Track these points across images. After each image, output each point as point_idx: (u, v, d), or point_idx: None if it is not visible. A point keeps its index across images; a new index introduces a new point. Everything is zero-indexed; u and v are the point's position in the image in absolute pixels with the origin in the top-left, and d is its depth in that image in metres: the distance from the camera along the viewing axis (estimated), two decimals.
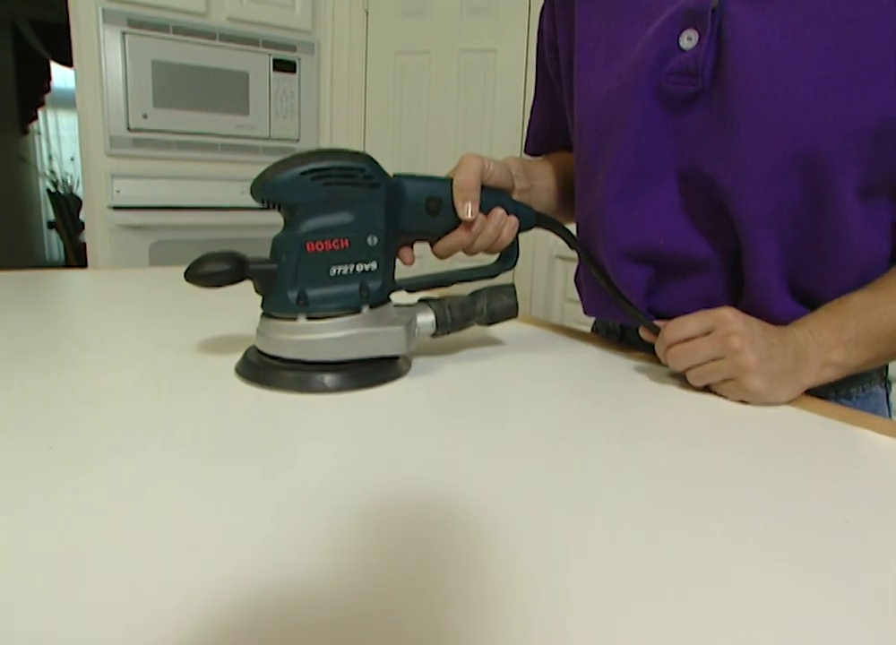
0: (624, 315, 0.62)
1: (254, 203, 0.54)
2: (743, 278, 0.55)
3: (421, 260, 0.61)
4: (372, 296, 0.50)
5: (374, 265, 0.50)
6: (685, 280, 0.59)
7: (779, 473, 0.37)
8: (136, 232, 2.08)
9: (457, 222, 0.54)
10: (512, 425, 0.44)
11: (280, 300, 0.48)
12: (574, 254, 0.65)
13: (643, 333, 0.56)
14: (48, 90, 5.13)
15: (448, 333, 0.57)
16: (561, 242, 0.64)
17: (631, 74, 0.55)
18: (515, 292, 0.59)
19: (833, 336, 0.49)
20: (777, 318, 0.52)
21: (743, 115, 0.50)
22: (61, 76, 5.06)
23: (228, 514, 0.30)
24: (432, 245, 0.56)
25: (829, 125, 0.47)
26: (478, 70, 2.14)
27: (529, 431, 0.43)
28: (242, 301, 0.75)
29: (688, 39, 0.52)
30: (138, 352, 0.57)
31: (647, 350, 0.60)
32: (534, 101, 0.77)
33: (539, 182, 0.68)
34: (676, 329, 0.51)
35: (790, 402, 0.49)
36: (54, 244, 5.42)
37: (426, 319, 0.55)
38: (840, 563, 0.28)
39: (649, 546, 0.29)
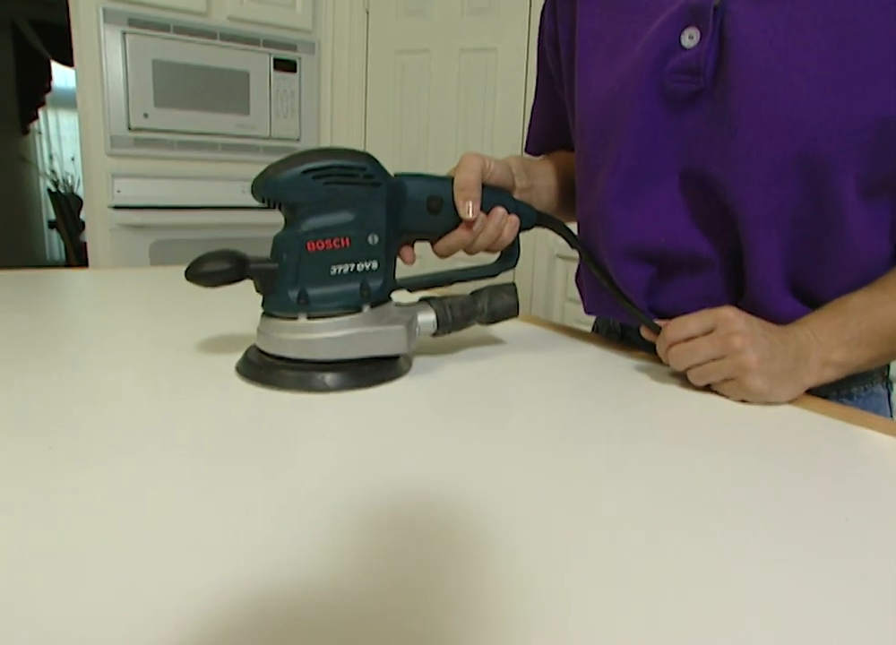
0: (625, 314, 0.62)
1: (254, 203, 0.54)
2: (744, 277, 0.55)
3: (422, 259, 0.61)
4: (373, 295, 0.50)
5: (374, 264, 0.50)
6: (686, 279, 0.59)
7: (780, 473, 0.37)
8: (137, 231, 2.08)
9: (458, 221, 0.54)
10: (513, 425, 0.44)
11: (280, 299, 0.48)
12: (575, 254, 0.65)
13: (644, 332, 0.56)
14: (49, 89, 5.13)
15: (449, 332, 0.56)
16: (562, 241, 0.64)
17: (632, 73, 0.55)
18: (516, 291, 0.59)
19: (835, 335, 0.49)
20: (778, 317, 0.52)
21: (744, 113, 0.50)
22: (62, 76, 5.06)
23: (228, 514, 0.30)
24: (433, 245, 0.56)
25: (829, 125, 0.47)
26: (479, 69, 2.14)
27: (530, 431, 0.43)
28: (243, 300, 0.75)
29: (690, 38, 0.52)
30: (138, 352, 0.57)
31: (648, 350, 0.60)
32: (535, 100, 0.77)
33: (540, 181, 0.68)
34: (676, 328, 0.51)
35: (791, 402, 0.49)
36: (54, 243, 5.42)
37: (427, 318, 0.55)
38: (840, 562, 0.28)
39: (649, 546, 0.29)
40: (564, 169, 0.73)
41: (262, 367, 0.49)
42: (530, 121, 0.79)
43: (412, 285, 0.56)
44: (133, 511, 0.30)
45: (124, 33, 1.99)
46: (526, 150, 0.80)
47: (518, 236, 0.58)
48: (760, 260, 0.53)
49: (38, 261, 5.31)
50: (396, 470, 0.35)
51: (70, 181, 5.14)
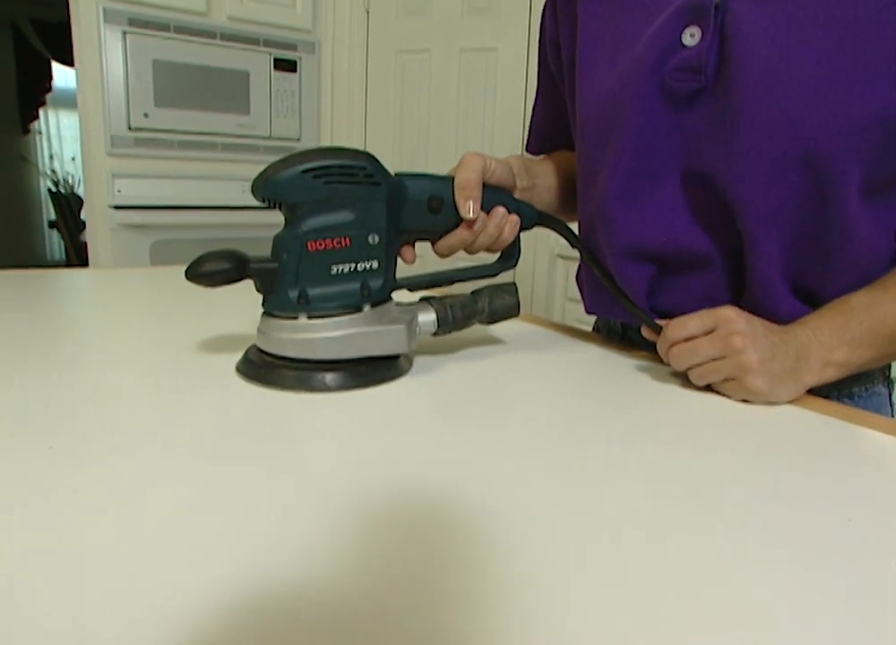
0: (625, 314, 0.62)
1: (255, 203, 0.54)
2: (745, 276, 0.55)
3: (422, 259, 0.61)
4: (373, 294, 0.50)
5: (375, 264, 0.50)
6: (687, 278, 0.58)
7: (781, 472, 0.37)
8: (137, 231, 2.08)
9: (458, 221, 0.54)
10: (513, 425, 0.44)
11: (280, 299, 0.48)
12: (576, 253, 0.65)
13: (645, 332, 0.56)
14: (49, 89, 5.13)
15: (449, 332, 0.56)
16: (562, 241, 0.64)
17: (633, 72, 0.54)
18: (517, 291, 0.59)
19: (836, 335, 0.49)
20: (779, 317, 0.52)
21: (745, 112, 0.50)
22: (62, 76, 5.06)
23: (228, 514, 0.30)
24: (433, 244, 0.56)
25: (830, 124, 0.47)
26: (479, 69, 2.14)
27: (530, 430, 0.43)
28: (243, 300, 0.75)
29: (691, 36, 0.52)
30: (138, 351, 0.57)
31: (648, 349, 0.60)
32: (536, 99, 0.77)
33: (541, 180, 0.68)
34: (677, 328, 0.51)
35: (792, 402, 0.49)
36: (55, 243, 5.43)
37: (428, 318, 0.55)
38: (841, 562, 0.28)
39: (649, 546, 0.29)
40: (565, 169, 0.73)
41: (262, 367, 0.49)
42: (531, 120, 0.79)
43: (413, 284, 0.56)
44: (133, 511, 0.30)
45: (124, 33, 1.99)
46: (527, 150, 0.80)
47: (518, 236, 0.58)
48: (761, 259, 0.53)
49: (38, 260, 5.31)
50: (396, 470, 0.35)
51: (70, 181, 5.14)
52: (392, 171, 0.51)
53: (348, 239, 0.48)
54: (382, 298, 0.51)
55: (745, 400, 0.49)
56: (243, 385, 0.48)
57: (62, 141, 5.35)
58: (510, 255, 0.59)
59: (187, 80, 2.11)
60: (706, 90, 0.52)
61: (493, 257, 0.60)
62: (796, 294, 0.54)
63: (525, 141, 0.81)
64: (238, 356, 0.53)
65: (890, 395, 0.61)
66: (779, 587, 0.26)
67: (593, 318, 0.79)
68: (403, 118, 2.28)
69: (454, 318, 0.55)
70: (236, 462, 0.36)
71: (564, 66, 0.67)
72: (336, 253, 0.48)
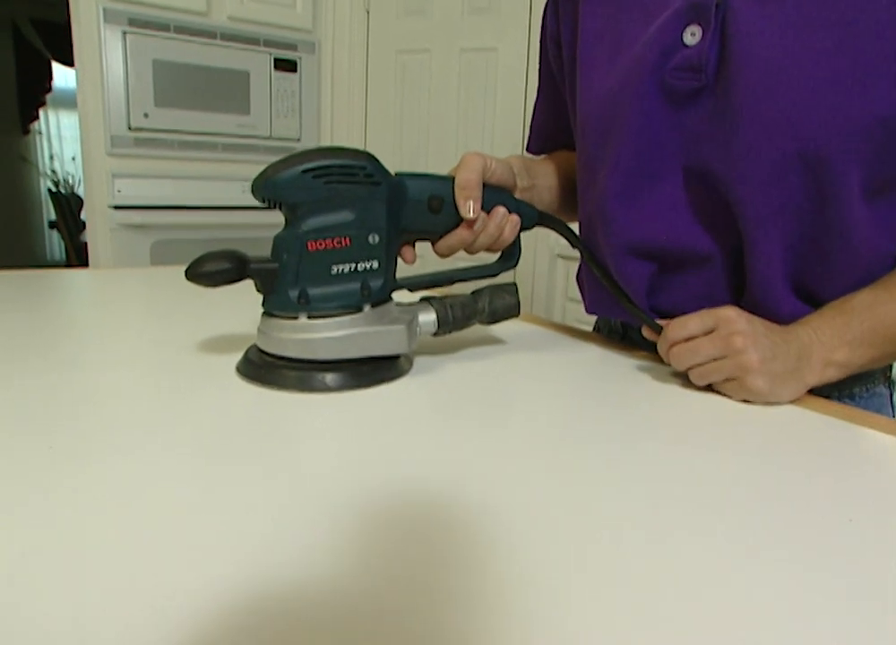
0: (626, 314, 0.62)
1: (255, 203, 0.54)
2: (745, 276, 0.55)
3: (422, 259, 0.61)
4: (373, 294, 0.50)
5: (375, 264, 0.50)
6: (687, 277, 0.58)
7: (782, 473, 0.37)
8: (137, 231, 2.08)
9: (459, 221, 0.54)
10: (514, 425, 0.44)
11: (281, 299, 0.48)
12: (576, 253, 0.65)
13: (646, 332, 0.56)
14: (49, 89, 5.13)
15: (449, 332, 0.56)
16: (563, 241, 0.64)
17: (634, 71, 0.54)
18: (517, 291, 0.59)
19: (837, 335, 0.49)
20: (779, 317, 0.52)
21: (744, 111, 0.50)
22: (62, 76, 5.06)
23: (228, 514, 0.30)
24: (433, 244, 0.56)
25: (829, 125, 0.47)
26: (479, 69, 2.14)
27: (531, 430, 0.43)
28: (243, 300, 0.75)
29: (692, 35, 0.52)
30: (138, 351, 0.57)
31: (649, 349, 0.60)
32: (537, 99, 0.77)
33: (541, 180, 0.68)
34: (678, 328, 0.51)
35: (793, 402, 0.49)
36: (55, 243, 5.43)
37: (428, 318, 0.55)
38: (842, 562, 0.28)
39: (649, 546, 0.29)
40: (566, 169, 0.73)
41: (262, 367, 0.49)
42: (532, 120, 0.79)
43: (413, 284, 0.56)
44: (133, 511, 0.30)
45: (124, 33, 1.99)
46: (528, 149, 0.80)
47: (519, 236, 0.58)
48: (761, 259, 0.53)
49: (38, 261, 5.31)
50: (396, 470, 0.35)
51: (70, 181, 5.14)
52: (392, 171, 0.51)
53: (348, 239, 0.48)
54: (382, 298, 0.51)
55: (745, 401, 0.49)
56: (243, 385, 0.48)
57: (62, 141, 5.36)
58: (510, 255, 0.59)
59: (187, 80, 2.11)
60: (706, 89, 0.52)
61: (493, 257, 0.60)
62: (797, 294, 0.54)
63: (525, 141, 0.81)
64: (238, 356, 0.53)
65: (891, 396, 0.61)
66: (780, 587, 0.26)
67: (593, 318, 0.79)
68: (403, 118, 2.28)
69: (455, 318, 0.55)
70: (235, 462, 0.36)
71: (564, 66, 0.67)
72: (336, 253, 0.48)
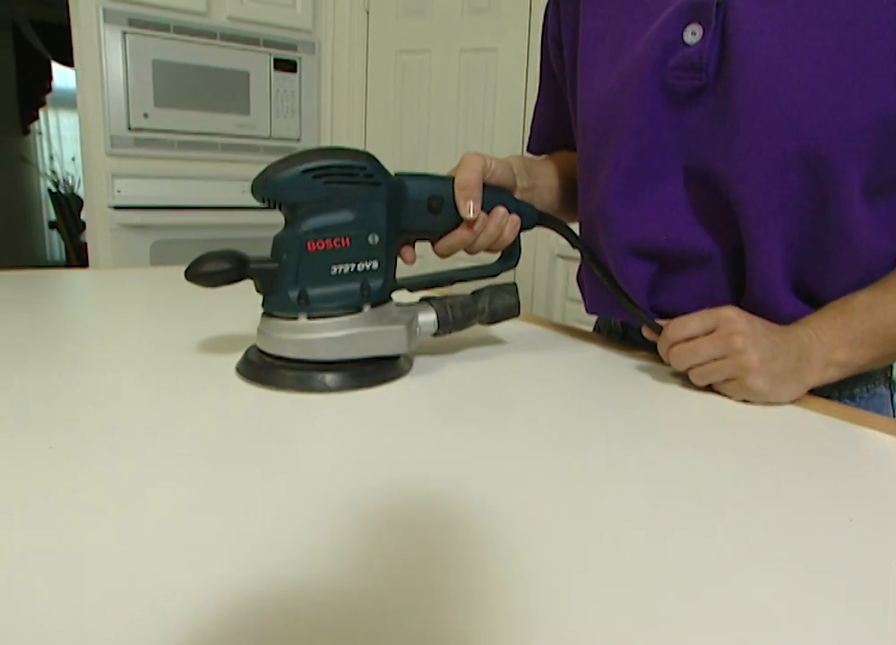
0: (626, 314, 0.62)
1: (255, 203, 0.54)
2: (745, 275, 0.55)
3: (422, 259, 0.61)
4: (373, 295, 0.50)
5: (375, 264, 0.50)
6: (688, 277, 0.58)
7: (782, 473, 0.37)
8: (137, 232, 2.08)
9: (459, 221, 0.54)
10: (514, 425, 0.44)
11: (280, 299, 0.48)
12: (576, 253, 0.65)
13: (646, 332, 0.56)
14: (49, 90, 5.13)
15: (449, 332, 0.56)
16: (563, 241, 0.64)
17: (634, 70, 0.54)
18: (517, 291, 0.59)
19: (838, 335, 0.49)
20: (780, 317, 0.52)
21: (745, 110, 0.50)
22: (62, 76, 5.06)
23: (228, 514, 0.30)
24: (433, 244, 0.56)
25: (829, 124, 0.47)
26: (479, 69, 2.14)
27: (531, 431, 0.43)
28: (243, 300, 0.75)
29: (692, 34, 0.52)
30: (138, 352, 0.57)
31: (649, 349, 0.60)
32: (538, 99, 0.77)
33: (542, 181, 0.68)
34: (678, 328, 0.50)
35: (794, 402, 0.49)
36: (55, 243, 5.43)
37: (428, 318, 0.55)
38: (842, 563, 0.28)
39: (649, 546, 0.29)
40: (566, 170, 0.73)
41: (262, 367, 0.49)
42: (533, 120, 0.79)
43: (413, 285, 0.56)
44: (133, 511, 0.30)
45: (124, 33, 1.99)
46: (528, 149, 0.80)
47: (519, 236, 0.58)
48: (761, 259, 0.53)
49: (38, 261, 5.31)
50: (396, 470, 0.35)
51: (70, 181, 5.15)
52: (391, 171, 0.51)
53: (348, 239, 0.48)
54: (382, 298, 0.51)
55: (745, 401, 0.49)
56: (242, 386, 0.48)
57: (62, 141, 5.36)
58: (510, 255, 0.59)
59: (187, 80, 2.11)
60: (707, 88, 0.52)
61: (493, 257, 0.60)
62: (797, 294, 0.54)
63: (526, 142, 0.81)
64: (238, 356, 0.52)
65: (891, 396, 0.61)
66: (780, 587, 0.26)
67: (593, 318, 0.79)
68: (403, 118, 2.28)
69: (454, 318, 0.55)
70: (235, 463, 0.36)
71: (565, 66, 0.67)
72: (336, 253, 0.48)
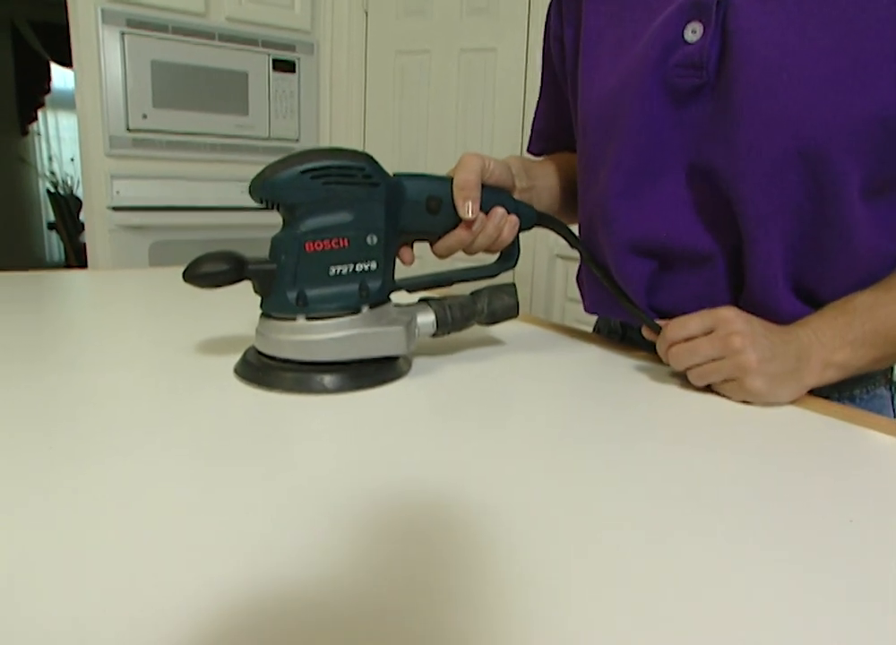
0: (625, 314, 0.62)
1: (253, 203, 0.53)
2: (745, 275, 0.55)
3: (421, 259, 0.61)
4: (371, 295, 0.50)
5: (373, 265, 0.50)
6: (687, 276, 0.58)
7: (781, 473, 0.37)
8: (136, 232, 2.08)
9: (457, 221, 0.54)
10: (513, 426, 0.44)
11: (279, 300, 0.48)
12: (575, 254, 0.65)
13: (645, 332, 0.56)
14: (48, 90, 5.13)
15: (448, 333, 0.56)
16: (562, 241, 0.64)
17: (635, 69, 0.55)
18: (516, 291, 0.59)
19: (838, 336, 0.49)
20: (779, 317, 0.52)
21: (745, 108, 0.50)
22: (61, 77, 5.06)
23: (228, 514, 0.30)
24: (432, 245, 0.56)
25: (829, 123, 0.47)
26: (478, 69, 2.14)
27: (530, 431, 0.43)
28: (241, 301, 0.75)
29: (693, 32, 0.52)
30: (137, 352, 0.57)
31: (648, 350, 0.60)
32: (539, 99, 0.77)
33: (541, 181, 0.68)
34: (677, 328, 0.51)
35: (793, 402, 0.49)
36: (54, 244, 5.42)
37: (427, 319, 0.55)
38: (842, 563, 0.28)
39: (649, 546, 0.29)
40: (566, 171, 0.73)
41: (260, 369, 0.49)
42: (534, 121, 0.79)
43: (411, 285, 0.56)
44: (132, 512, 0.30)
45: (122, 34, 1.99)
46: (528, 150, 0.80)
47: (518, 237, 0.58)
48: (761, 258, 0.53)
49: (37, 262, 5.31)
50: (396, 471, 0.35)
51: (69, 182, 5.14)
52: (390, 172, 0.51)
53: (346, 240, 0.48)
54: (380, 299, 0.51)
55: (745, 401, 0.49)
56: (241, 387, 0.48)
57: (60, 142, 5.35)
58: (509, 256, 0.59)
59: (186, 81, 2.11)
60: (708, 85, 0.52)
61: (492, 258, 0.60)
62: (797, 293, 0.54)
63: (527, 141, 0.81)
64: (237, 357, 0.52)
65: (892, 398, 0.61)
66: (780, 587, 0.26)
67: (593, 318, 0.79)
68: (402, 119, 2.28)
69: (453, 319, 0.55)
70: (235, 463, 0.36)
71: (567, 65, 0.67)
72: (334, 253, 0.48)
